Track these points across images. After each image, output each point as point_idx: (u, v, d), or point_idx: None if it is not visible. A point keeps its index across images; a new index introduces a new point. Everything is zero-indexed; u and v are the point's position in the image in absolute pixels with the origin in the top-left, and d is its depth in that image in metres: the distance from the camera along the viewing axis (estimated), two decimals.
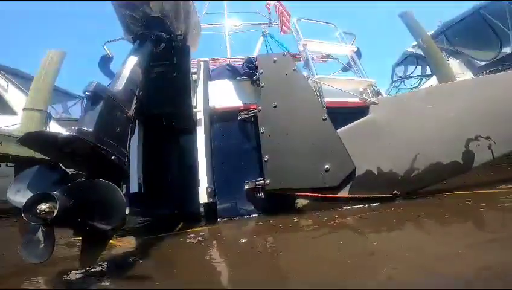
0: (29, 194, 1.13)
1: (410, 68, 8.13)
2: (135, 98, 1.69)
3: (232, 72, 3.41)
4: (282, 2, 4.16)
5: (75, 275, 1.25)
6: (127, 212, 2.70)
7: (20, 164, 4.41)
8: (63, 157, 1.27)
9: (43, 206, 1.03)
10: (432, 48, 6.00)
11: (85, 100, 1.40)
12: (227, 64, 3.85)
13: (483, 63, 6.35)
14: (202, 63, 3.02)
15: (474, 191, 2.31)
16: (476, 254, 1.19)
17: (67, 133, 1.19)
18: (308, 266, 1.27)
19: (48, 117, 5.21)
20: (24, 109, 4.94)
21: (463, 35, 6.76)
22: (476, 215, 1.86)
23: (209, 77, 3.04)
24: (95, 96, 1.36)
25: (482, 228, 1.68)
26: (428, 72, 7.25)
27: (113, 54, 3.34)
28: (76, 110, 7.76)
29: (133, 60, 1.82)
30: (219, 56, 4.54)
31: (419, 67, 7.89)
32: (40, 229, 1.12)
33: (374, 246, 1.46)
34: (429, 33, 6.48)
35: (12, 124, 5.04)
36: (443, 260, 1.15)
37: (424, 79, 7.46)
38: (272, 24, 4.74)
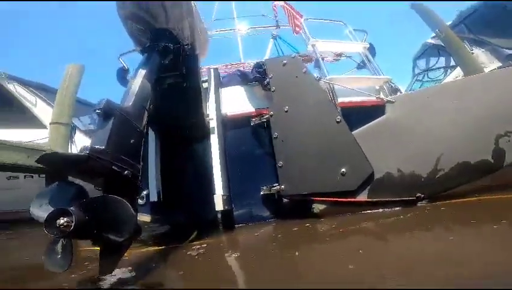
0: (50, 209, 1.21)
1: (433, 60, 7.72)
2: (146, 112, 1.74)
3: (242, 78, 3.42)
4: (290, 2, 4.10)
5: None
6: (148, 219, 2.79)
7: (50, 176, 4.74)
8: (81, 173, 1.33)
9: (61, 221, 1.10)
10: (451, 38, 5.68)
11: (97, 117, 1.46)
12: (238, 70, 3.87)
13: (511, 52, 5.89)
14: (212, 71, 3.05)
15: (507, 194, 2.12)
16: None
17: (79, 153, 1.24)
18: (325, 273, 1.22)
19: (73, 129, 5.50)
20: (50, 123, 5.28)
21: (485, 23, 6.32)
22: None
23: (220, 84, 3.06)
24: (106, 114, 1.41)
25: None
26: (453, 63, 6.84)
27: (128, 65, 3.48)
28: None
29: (141, 74, 1.87)
30: (230, 61, 4.58)
31: (442, 59, 7.47)
32: (60, 241, 1.21)
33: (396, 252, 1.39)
34: (448, 23, 6.13)
35: (42, 137, 5.39)
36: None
37: (449, 70, 7.06)
38: (279, 26, 4.70)
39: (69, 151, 5.08)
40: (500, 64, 5.76)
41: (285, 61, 2.70)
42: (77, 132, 5.77)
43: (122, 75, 3.31)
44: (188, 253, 1.77)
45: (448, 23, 6.29)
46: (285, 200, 2.44)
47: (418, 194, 2.20)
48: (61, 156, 1.26)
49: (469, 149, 2.25)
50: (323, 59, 3.05)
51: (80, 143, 5.42)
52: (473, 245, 1.37)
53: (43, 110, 6.08)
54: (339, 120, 2.33)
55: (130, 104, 1.58)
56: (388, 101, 2.36)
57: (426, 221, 1.90)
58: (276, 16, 4.64)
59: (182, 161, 2.81)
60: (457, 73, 6.38)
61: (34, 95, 6.16)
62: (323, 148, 2.31)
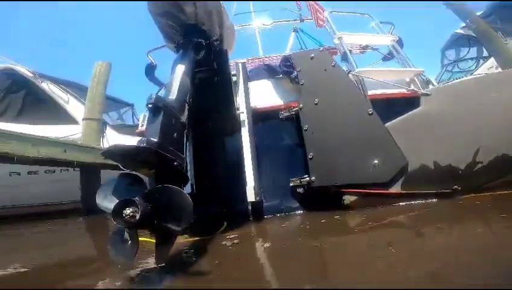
0: (115, 200, 1.28)
1: (463, 51, 7.37)
2: (187, 105, 1.82)
3: (269, 72, 3.46)
4: None
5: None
6: None
7: (85, 169, 5.03)
8: (136, 165, 1.41)
9: (128, 211, 1.15)
10: (483, 28, 5.41)
11: (147, 112, 1.55)
12: (264, 64, 3.90)
13: None
14: (240, 65, 3.11)
15: None
16: None
17: (139, 145, 1.33)
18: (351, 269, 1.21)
19: (104, 125, 5.79)
20: (83, 119, 5.58)
21: None
22: None
23: (248, 78, 3.11)
24: (156, 108, 1.50)
25: None
26: (485, 53, 6.51)
27: (156, 62, 3.61)
28: (128, 117, 8.58)
29: (180, 69, 1.95)
30: (252, 56, 4.61)
31: (473, 49, 7.12)
32: (125, 231, 1.26)
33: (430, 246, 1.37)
34: (478, 14, 5.84)
35: (75, 132, 5.72)
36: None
37: (481, 60, 6.72)
38: (303, 20, 4.66)
39: (101, 145, 5.36)
40: None
41: (312, 55, 2.71)
42: (107, 127, 6.05)
43: (150, 71, 3.45)
44: (223, 243, 1.82)
45: (479, 13, 5.98)
46: (314, 191, 2.47)
47: (455, 187, 2.16)
48: (128, 149, 1.33)
49: (507, 142, 2.18)
50: (350, 52, 3.01)
51: (110, 137, 5.69)
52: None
53: (75, 107, 6.38)
54: (371, 112, 2.31)
55: (174, 98, 1.66)
56: (423, 94, 2.31)
57: (461, 214, 1.87)
58: (300, 10, 4.61)
59: (214, 153, 2.90)
60: (491, 63, 6.08)
61: (66, 92, 6.46)
62: (355, 140, 2.31)
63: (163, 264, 1.37)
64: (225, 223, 2.33)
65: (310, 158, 2.43)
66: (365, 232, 1.82)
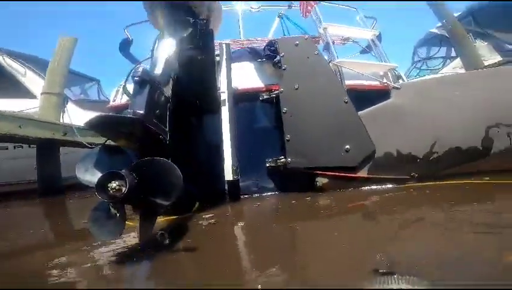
0: (97, 173, 1.21)
1: (433, 49, 7.82)
2: (171, 81, 1.82)
3: (253, 54, 3.46)
4: None
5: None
6: None
7: (42, 146, 4.75)
8: (120, 137, 1.37)
9: (114, 184, 1.10)
10: (457, 29, 5.74)
11: (133, 84, 1.52)
12: (248, 47, 3.88)
13: None
14: (224, 46, 3.08)
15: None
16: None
17: (129, 116, 1.30)
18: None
19: (65, 99, 5.48)
20: (42, 93, 5.23)
21: (493, 16, 6.39)
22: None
23: (231, 59, 3.11)
24: (143, 81, 1.48)
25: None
26: (453, 54, 6.96)
27: (132, 37, 3.45)
28: (93, 92, 8.18)
29: (166, 44, 1.92)
30: (234, 37, 4.53)
31: (443, 49, 7.58)
32: (109, 206, 1.18)
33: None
34: (456, 14, 6.17)
35: (31, 107, 5.36)
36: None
37: (448, 60, 7.19)
38: (292, 6, 4.65)
39: (61, 120, 5.08)
40: (500, 58, 5.92)
41: (297, 42, 2.76)
42: (69, 102, 5.75)
43: (125, 46, 3.30)
44: (200, 222, 1.85)
45: (457, 14, 6.32)
46: (289, 173, 2.60)
47: (412, 173, 2.42)
48: (116, 119, 1.29)
49: (462, 136, 2.46)
50: (333, 42, 3.12)
51: (72, 113, 5.38)
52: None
53: (33, 81, 6.08)
54: (346, 101, 2.46)
55: (160, 72, 1.65)
56: (394, 87, 2.50)
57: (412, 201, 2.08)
58: None
59: (193, 130, 2.90)
60: (456, 64, 6.53)
61: (24, 66, 6.16)
62: (330, 125, 2.47)
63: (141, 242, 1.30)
64: (197, 203, 2.32)
65: (287, 140, 2.55)
66: (330, 216, 1.97)
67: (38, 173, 4.72)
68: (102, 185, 1.12)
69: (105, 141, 1.38)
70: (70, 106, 5.64)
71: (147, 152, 1.36)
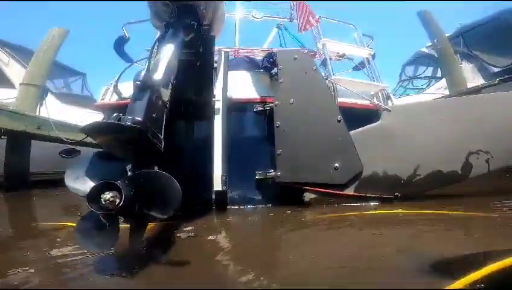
0: (88, 182, 1.15)
1: (421, 69, 8.13)
2: (170, 86, 1.79)
3: (250, 64, 3.48)
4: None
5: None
6: None
7: (13, 138, 4.53)
8: (117, 144, 1.29)
9: (108, 196, 1.03)
10: (446, 50, 5.96)
11: (133, 88, 1.47)
12: (246, 56, 3.89)
13: (496, 70, 6.34)
14: (223, 53, 3.08)
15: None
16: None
17: (130, 124, 1.23)
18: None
19: (45, 92, 5.31)
20: (21, 84, 5.03)
21: (482, 39, 6.70)
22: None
23: (228, 67, 3.11)
24: (145, 86, 1.43)
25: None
26: (439, 74, 7.27)
27: (129, 35, 3.38)
28: (76, 86, 7.96)
29: (169, 48, 1.88)
30: (228, 44, 4.53)
31: (430, 69, 7.90)
32: (100, 217, 1.11)
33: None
34: (447, 35, 6.42)
35: (10, 97, 5.16)
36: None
37: (433, 81, 7.50)
38: (293, 19, 4.70)
39: (37, 112, 4.89)
40: (483, 81, 6.22)
41: (296, 56, 2.79)
42: (49, 94, 5.59)
43: (120, 44, 3.22)
44: (182, 230, 1.83)
45: (448, 34, 6.55)
46: (278, 186, 2.63)
47: (396, 193, 2.53)
48: (116, 127, 1.18)
49: (444, 160, 2.59)
50: (330, 58, 3.19)
51: (51, 106, 5.19)
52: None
53: (15, 71, 5.92)
54: (339, 119, 2.53)
55: (160, 77, 1.61)
56: (385, 109, 2.59)
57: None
58: (292, 9, 4.61)
59: (183, 137, 2.87)
60: (441, 85, 6.83)
61: (9, 55, 6.04)
62: (322, 143, 2.52)
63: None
64: (179, 213, 2.30)
65: (278, 154, 2.58)
66: (315, 227, 2.04)
67: (5, 166, 4.53)
68: (94, 196, 1.05)
69: (85, 138, 1.32)
70: (50, 99, 5.48)
71: (143, 161, 1.30)
